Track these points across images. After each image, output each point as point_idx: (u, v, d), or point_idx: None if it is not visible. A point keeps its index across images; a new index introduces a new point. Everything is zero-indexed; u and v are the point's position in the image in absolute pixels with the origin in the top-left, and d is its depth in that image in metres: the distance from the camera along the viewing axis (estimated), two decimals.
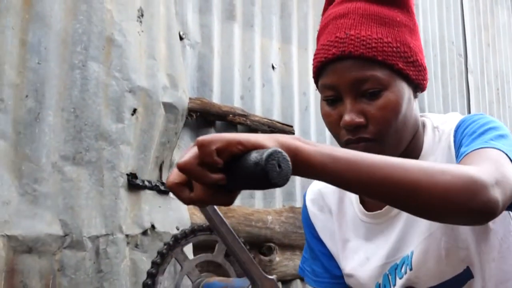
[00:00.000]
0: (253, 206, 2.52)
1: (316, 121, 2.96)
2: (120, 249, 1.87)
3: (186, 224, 2.09)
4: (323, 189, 1.21)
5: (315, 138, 2.93)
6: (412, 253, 1.07)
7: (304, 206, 1.24)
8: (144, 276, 1.86)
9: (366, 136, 0.99)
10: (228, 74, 2.53)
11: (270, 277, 0.76)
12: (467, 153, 0.92)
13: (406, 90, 1.02)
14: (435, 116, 1.13)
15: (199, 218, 2.18)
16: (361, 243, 1.14)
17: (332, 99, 1.01)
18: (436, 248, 1.04)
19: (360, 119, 0.98)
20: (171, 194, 2.11)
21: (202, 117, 2.32)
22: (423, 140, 1.09)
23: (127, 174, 1.94)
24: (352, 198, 1.16)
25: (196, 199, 0.66)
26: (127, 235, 1.91)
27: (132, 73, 1.98)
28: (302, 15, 2.96)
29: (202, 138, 0.65)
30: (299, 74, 2.88)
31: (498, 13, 5.32)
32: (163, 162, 2.15)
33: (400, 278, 1.08)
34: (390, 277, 1.12)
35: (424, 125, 1.10)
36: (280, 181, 0.62)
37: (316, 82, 1.07)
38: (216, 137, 0.65)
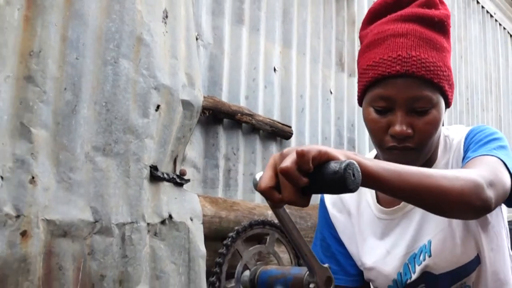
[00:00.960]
0: (254, 200, 2.67)
1: (310, 123, 3.13)
2: (142, 237, 2.00)
3: (198, 215, 2.23)
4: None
5: (309, 138, 3.10)
6: (429, 242, 1.20)
7: (324, 208, 1.35)
8: (163, 264, 2.00)
9: (410, 146, 1.12)
10: (235, 75, 2.67)
11: (324, 265, 0.92)
12: (473, 158, 1.09)
13: (444, 107, 1.16)
14: (444, 127, 1.26)
15: (209, 210, 2.32)
16: (380, 239, 1.26)
17: (382, 109, 1.14)
18: (452, 237, 1.17)
19: (409, 131, 1.11)
20: (185, 186, 2.24)
21: (213, 114, 2.45)
22: (437, 147, 1.23)
23: (150, 166, 2.06)
24: (369, 199, 1.28)
25: (287, 200, 0.76)
26: (148, 224, 2.04)
27: (157, 71, 2.10)
28: (301, 21, 3.11)
29: (302, 148, 0.76)
30: (297, 77, 3.04)
31: (470, 26, 5.60)
32: (177, 156, 2.28)
33: (419, 265, 1.20)
34: (409, 266, 1.23)
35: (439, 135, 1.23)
36: (354, 188, 0.74)
37: (365, 88, 1.17)
38: (311, 147, 0.76)
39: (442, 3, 1.20)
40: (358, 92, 1.21)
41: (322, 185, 0.76)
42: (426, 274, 1.20)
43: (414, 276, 1.21)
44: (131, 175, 1.99)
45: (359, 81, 1.20)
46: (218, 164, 2.49)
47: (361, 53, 1.21)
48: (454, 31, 5.20)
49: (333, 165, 0.75)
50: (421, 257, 1.21)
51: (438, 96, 1.14)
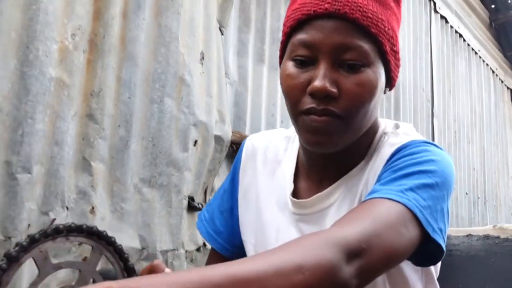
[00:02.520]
0: None
1: None
2: (182, 263, 2.15)
3: None
4: (261, 145, 1.15)
5: None
6: None
7: (239, 156, 1.18)
8: None
9: (333, 110, 0.87)
10: (257, 110, 2.85)
11: None
12: (373, 198, 0.81)
13: (383, 77, 0.93)
14: (389, 122, 1.04)
15: None
16: (274, 220, 1.05)
17: (303, 60, 0.90)
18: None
19: (333, 89, 0.87)
20: None
21: (238, 148, 2.63)
22: (372, 139, 1.00)
23: (188, 197, 2.22)
24: (286, 174, 1.07)
25: None
26: (186, 251, 2.19)
27: (196, 109, 2.27)
28: None
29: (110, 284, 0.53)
30: None
31: (458, 63, 5.90)
32: (207, 187, 2.44)
33: None
34: None
35: (378, 127, 1.01)
36: None
37: (287, 36, 0.94)
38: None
39: None
40: (280, 48, 0.98)
41: None
42: None
43: None
44: (173, 206, 2.14)
45: (282, 35, 0.97)
46: None
47: (289, 6, 0.97)
48: (443, 68, 5.49)
49: None
50: None
51: (376, 55, 0.90)
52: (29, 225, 1.64)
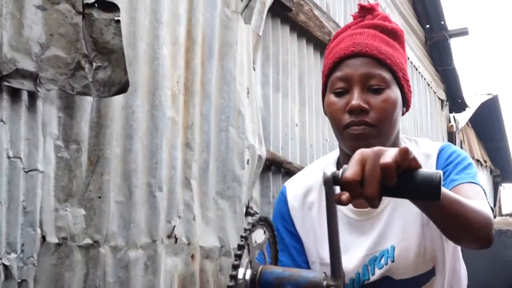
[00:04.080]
0: None
1: None
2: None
3: None
4: (305, 186, 1.33)
5: None
6: (393, 247, 1.21)
7: (284, 200, 1.34)
8: None
9: (367, 120, 1.14)
10: (276, 131, 3.44)
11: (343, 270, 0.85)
12: (461, 183, 1.14)
13: (399, 97, 1.21)
14: (405, 138, 1.32)
15: None
16: (341, 236, 1.17)
17: (341, 91, 1.18)
18: (417, 246, 1.19)
19: (365, 106, 1.14)
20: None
21: (269, 164, 3.21)
22: (401, 141, 1.28)
23: (245, 205, 2.78)
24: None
25: (369, 196, 0.74)
26: None
27: (248, 134, 2.83)
28: (309, 85, 3.95)
29: (406, 147, 0.76)
30: (309, 130, 3.87)
31: None
32: (251, 196, 3.01)
33: (380, 269, 1.21)
34: (369, 267, 1.23)
35: (400, 143, 1.29)
36: (439, 198, 0.74)
37: (327, 77, 1.22)
38: (410, 150, 0.76)
39: (395, 23, 1.30)
40: (322, 85, 1.26)
41: (411, 189, 0.76)
42: (385, 279, 1.21)
43: (372, 278, 1.22)
44: (237, 212, 2.70)
45: (322, 78, 1.26)
46: (270, 201, 3.24)
47: (325, 57, 1.28)
48: None
49: (427, 173, 0.75)
50: (383, 261, 1.22)
51: (392, 80, 1.19)
52: (162, 231, 2.16)
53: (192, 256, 2.32)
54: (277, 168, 3.35)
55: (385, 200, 1.22)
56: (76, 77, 1.72)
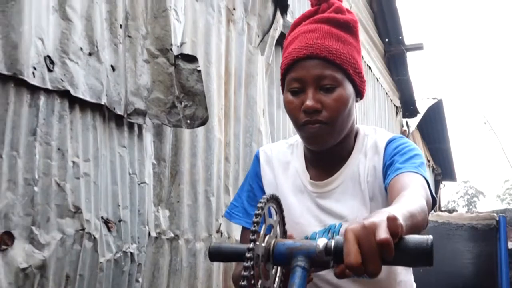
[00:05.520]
0: None
1: None
2: None
3: None
4: (273, 153, 1.48)
5: None
6: (340, 225, 1.30)
7: (257, 162, 1.48)
8: None
9: (320, 119, 1.22)
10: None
11: None
12: (404, 172, 1.18)
13: (352, 92, 1.28)
14: (365, 127, 1.41)
15: None
16: (296, 201, 1.37)
17: (296, 90, 1.24)
18: None
19: (318, 105, 1.21)
20: None
21: None
22: (355, 139, 1.36)
23: None
24: (299, 168, 1.40)
25: (373, 272, 0.76)
26: None
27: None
28: None
29: (393, 215, 0.78)
30: None
31: (367, 90, 7.48)
32: None
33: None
34: (317, 235, 1.33)
35: (357, 131, 1.38)
36: (432, 263, 0.76)
37: (284, 77, 1.29)
38: (396, 216, 0.80)
39: (350, 12, 1.33)
40: (281, 85, 1.33)
41: (405, 257, 0.77)
42: None
43: None
44: None
45: (280, 75, 1.33)
46: None
47: (283, 53, 1.34)
48: None
49: (418, 239, 0.77)
50: (330, 235, 1.30)
51: (343, 77, 1.25)
52: (214, 227, 2.77)
53: None
54: None
55: (337, 179, 1.35)
56: (172, 114, 2.31)
